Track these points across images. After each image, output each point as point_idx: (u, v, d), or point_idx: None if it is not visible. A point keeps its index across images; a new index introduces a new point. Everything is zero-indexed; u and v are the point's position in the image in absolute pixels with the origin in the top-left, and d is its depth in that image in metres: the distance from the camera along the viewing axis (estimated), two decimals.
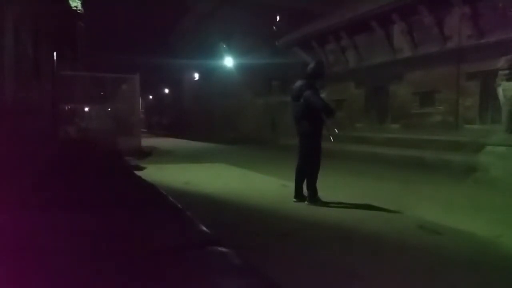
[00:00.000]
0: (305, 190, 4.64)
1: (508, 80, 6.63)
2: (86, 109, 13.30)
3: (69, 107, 12.47)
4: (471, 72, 9.19)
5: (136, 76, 11.96)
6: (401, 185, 6.50)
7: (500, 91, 6.79)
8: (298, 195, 4.65)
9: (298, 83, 4.74)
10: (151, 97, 42.64)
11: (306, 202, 4.55)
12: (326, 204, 4.53)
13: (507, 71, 6.65)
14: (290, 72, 17.30)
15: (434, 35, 10.02)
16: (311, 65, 4.78)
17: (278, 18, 21.39)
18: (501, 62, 6.80)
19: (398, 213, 4.42)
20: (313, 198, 4.53)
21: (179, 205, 3.23)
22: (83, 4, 9.57)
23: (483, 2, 8.89)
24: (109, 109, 13.01)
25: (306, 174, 4.60)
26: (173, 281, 1.66)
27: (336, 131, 4.80)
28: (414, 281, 2.60)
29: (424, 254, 3.11)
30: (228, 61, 21.47)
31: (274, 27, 20.73)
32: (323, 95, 14.53)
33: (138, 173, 6.51)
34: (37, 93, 7.28)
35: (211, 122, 24.02)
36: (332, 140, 4.76)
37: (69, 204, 2.90)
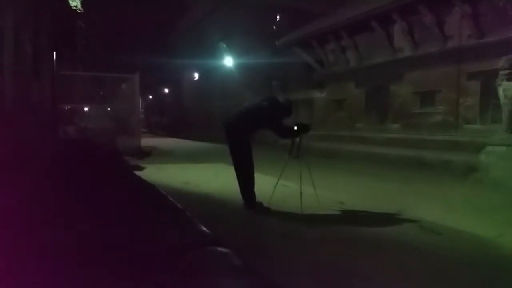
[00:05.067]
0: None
1: (508, 80, 6.63)
2: (86, 108, 13.28)
3: (68, 106, 12.45)
4: (471, 72, 9.18)
5: (136, 75, 11.94)
6: (401, 185, 6.50)
7: (500, 91, 6.79)
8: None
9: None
10: (151, 97, 42.60)
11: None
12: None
13: (507, 71, 6.65)
14: (290, 72, 17.31)
15: (434, 35, 10.00)
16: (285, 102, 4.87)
17: (278, 18, 21.38)
18: (502, 62, 6.80)
19: (398, 213, 4.42)
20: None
21: (179, 205, 3.22)
22: (82, 4, 9.56)
23: (484, 1, 8.87)
24: (109, 109, 13.00)
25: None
26: (173, 281, 1.65)
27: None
28: (414, 281, 2.59)
29: (424, 254, 3.11)
30: (228, 61, 21.45)
31: (274, 27, 20.72)
32: (323, 94, 14.52)
33: (137, 173, 6.51)
34: (37, 93, 7.27)
35: (211, 122, 24.01)
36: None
37: (68, 204, 2.89)
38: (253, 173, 4.58)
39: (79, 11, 9.56)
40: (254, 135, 4.66)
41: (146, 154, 11.52)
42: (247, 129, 4.60)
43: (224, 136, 4.69)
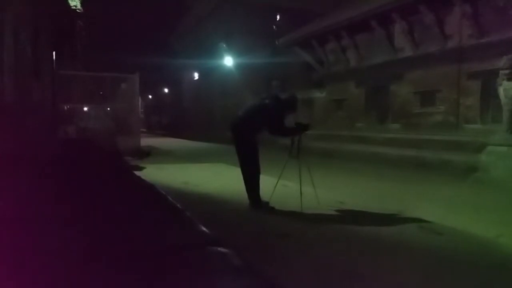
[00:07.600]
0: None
1: (509, 79, 6.62)
2: (86, 108, 13.27)
3: (68, 106, 12.44)
4: (472, 71, 9.18)
5: (136, 75, 11.94)
6: (401, 185, 6.50)
7: (501, 90, 6.79)
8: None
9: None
10: (150, 97, 42.65)
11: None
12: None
13: (508, 71, 6.65)
14: (290, 72, 17.30)
15: (434, 35, 10.00)
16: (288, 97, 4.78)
17: (278, 18, 21.38)
18: (502, 62, 6.80)
19: (398, 213, 4.41)
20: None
21: (178, 205, 3.22)
22: (82, 4, 9.57)
23: (484, 1, 8.87)
24: (109, 108, 12.99)
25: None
26: (173, 281, 1.65)
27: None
28: (414, 281, 2.59)
29: (424, 254, 3.10)
30: (228, 61, 21.45)
31: (274, 27, 20.72)
32: (323, 94, 14.53)
33: (137, 173, 6.50)
34: (37, 93, 7.27)
35: (211, 122, 24.01)
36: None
37: (68, 204, 2.89)
38: (259, 173, 4.58)
39: (79, 11, 9.56)
40: (260, 135, 4.65)
41: (146, 154, 11.52)
42: (255, 128, 4.59)
43: (230, 136, 4.69)
